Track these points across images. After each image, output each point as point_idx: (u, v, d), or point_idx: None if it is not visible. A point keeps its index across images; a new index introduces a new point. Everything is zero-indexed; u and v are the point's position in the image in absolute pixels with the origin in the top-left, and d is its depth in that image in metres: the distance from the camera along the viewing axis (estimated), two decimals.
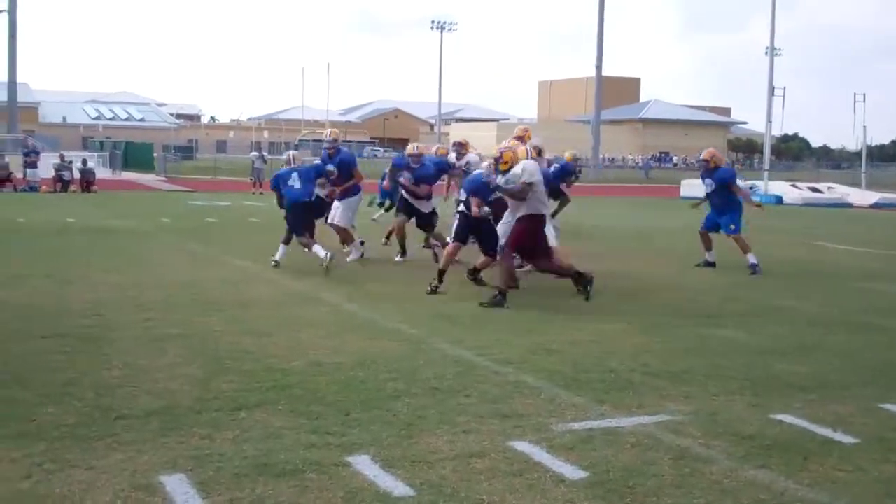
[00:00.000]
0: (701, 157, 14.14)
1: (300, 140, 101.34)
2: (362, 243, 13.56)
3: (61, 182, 33.34)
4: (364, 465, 4.58)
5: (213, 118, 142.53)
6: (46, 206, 24.50)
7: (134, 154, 54.42)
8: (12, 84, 51.99)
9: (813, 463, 4.80)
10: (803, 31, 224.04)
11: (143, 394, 5.80)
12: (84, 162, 35.24)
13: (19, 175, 33.66)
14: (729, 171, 13.98)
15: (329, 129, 14.18)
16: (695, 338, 8.19)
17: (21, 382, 5.99)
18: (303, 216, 12.88)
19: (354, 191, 13.41)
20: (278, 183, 13.27)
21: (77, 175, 33.92)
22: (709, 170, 13.72)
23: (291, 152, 14.44)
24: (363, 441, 4.94)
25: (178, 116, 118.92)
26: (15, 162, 34.48)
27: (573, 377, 6.49)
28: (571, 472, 4.54)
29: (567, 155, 15.31)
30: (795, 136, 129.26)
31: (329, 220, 13.38)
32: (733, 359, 7.32)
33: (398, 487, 4.30)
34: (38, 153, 35.92)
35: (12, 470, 4.41)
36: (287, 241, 12.72)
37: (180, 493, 4.17)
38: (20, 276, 10.89)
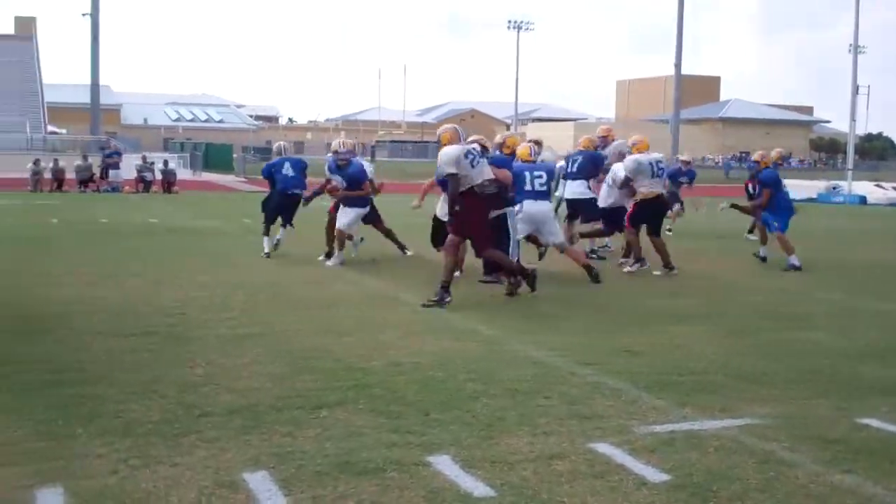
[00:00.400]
0: (752, 158, 14.06)
1: (377, 141, 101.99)
2: (362, 239, 13.69)
3: (143, 183, 34.12)
4: (445, 464, 4.58)
5: (290, 120, 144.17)
6: (129, 207, 25.07)
7: (214, 155, 55.42)
8: (95, 86, 53.09)
9: None
10: (888, 28, 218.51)
11: (226, 392, 5.89)
12: (165, 163, 36.00)
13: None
14: (767, 174, 13.65)
15: (341, 140, 13.42)
16: (779, 340, 8.04)
17: (107, 379, 6.13)
18: (287, 206, 13.28)
19: (363, 202, 12.94)
20: (271, 171, 13.61)
21: (158, 176, 34.67)
22: (759, 171, 13.75)
23: (282, 143, 14.71)
24: (443, 441, 4.95)
25: (257, 118, 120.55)
26: (97, 163, 35.40)
27: (654, 379, 6.41)
28: (653, 474, 4.49)
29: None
30: (880, 135, 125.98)
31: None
32: (818, 361, 7.17)
33: (479, 488, 4.29)
34: (119, 154, 36.80)
35: (99, 465, 4.50)
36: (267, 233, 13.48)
37: (263, 491, 4.22)
38: (108, 275, 11.16)
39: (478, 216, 9.46)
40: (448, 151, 9.47)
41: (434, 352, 7.16)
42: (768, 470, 4.59)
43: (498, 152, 11.33)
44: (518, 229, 10.68)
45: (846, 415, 5.64)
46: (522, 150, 11.39)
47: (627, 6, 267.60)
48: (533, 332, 8.07)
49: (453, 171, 9.36)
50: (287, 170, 13.39)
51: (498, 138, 12.07)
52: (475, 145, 9.81)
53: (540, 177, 11.10)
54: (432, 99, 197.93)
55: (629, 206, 12.64)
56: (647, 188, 12.25)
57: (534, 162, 11.31)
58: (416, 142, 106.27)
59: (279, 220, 13.63)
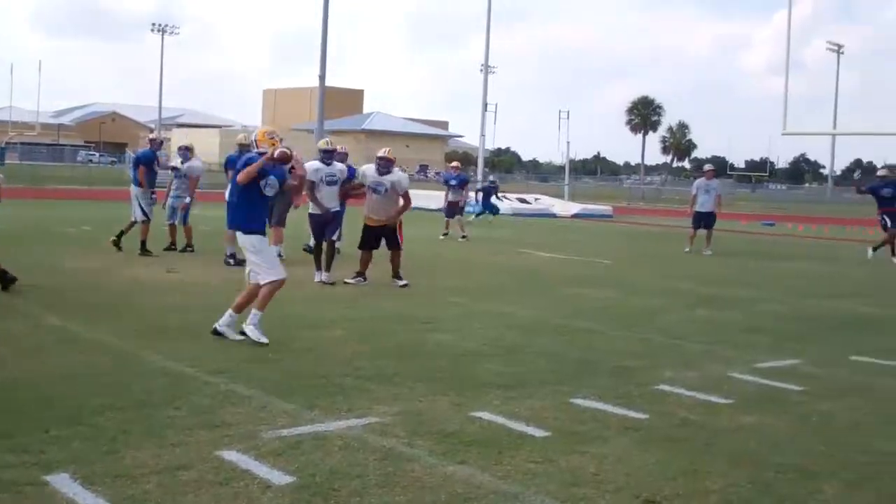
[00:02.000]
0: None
1: (6, 143, 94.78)
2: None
3: None
4: (63, 483, 4.41)
5: None
6: None
7: None
8: None
9: (507, 456, 5.10)
10: (518, 51, 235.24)
11: None
12: None
13: None
14: None
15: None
16: (408, 342, 8.46)
17: None
18: None
19: None
20: None
21: None
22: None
23: None
24: (63, 458, 4.75)
25: None
26: None
27: (286, 384, 6.53)
28: (278, 478, 4.59)
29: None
30: (508, 149, 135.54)
31: None
32: (442, 361, 7.63)
33: None
34: None
35: None
36: None
37: None
38: None
39: None
40: None
41: (58, 366, 6.85)
42: (388, 465, 4.85)
43: None
44: None
45: (462, 409, 6.06)
46: None
47: (274, 16, 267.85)
48: (166, 343, 7.91)
49: None
50: None
51: None
52: None
53: None
54: (71, 100, 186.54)
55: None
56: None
57: None
58: (50, 144, 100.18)
59: None
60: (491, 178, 36.55)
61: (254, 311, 8.06)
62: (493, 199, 31.90)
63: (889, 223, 20.34)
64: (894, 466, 5.36)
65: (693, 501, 4.61)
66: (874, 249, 20.35)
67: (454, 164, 24.70)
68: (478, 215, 29.84)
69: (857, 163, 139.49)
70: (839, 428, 6.17)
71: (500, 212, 32.81)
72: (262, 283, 8.21)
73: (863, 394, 7.22)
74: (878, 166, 28.70)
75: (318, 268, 12.45)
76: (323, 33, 43.68)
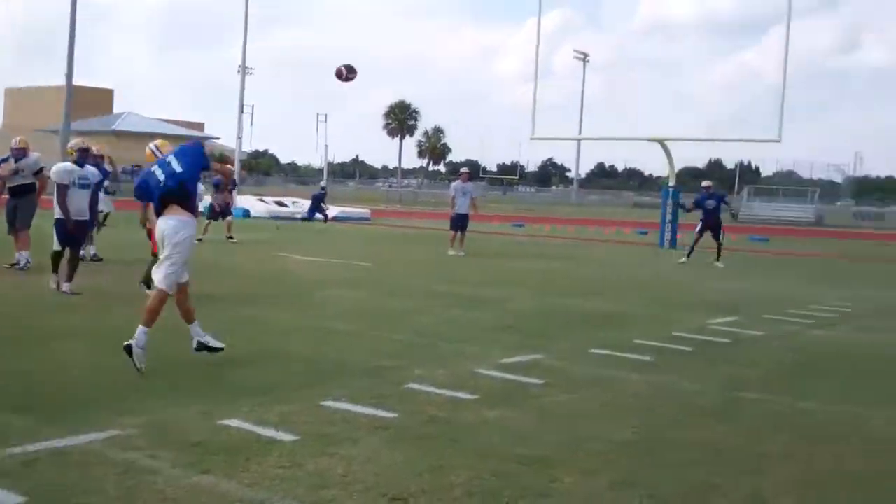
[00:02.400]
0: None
1: None
2: None
3: None
4: None
5: None
6: None
7: None
8: None
9: (254, 463, 5.04)
10: (277, 52, 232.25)
11: None
12: None
13: None
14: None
15: None
16: (157, 351, 8.17)
17: None
18: None
19: None
20: None
21: None
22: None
23: None
24: None
25: None
26: None
27: (20, 400, 6.18)
28: (8, 498, 4.33)
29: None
30: (265, 152, 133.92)
31: None
32: (193, 370, 7.46)
33: None
34: None
35: None
36: None
37: None
38: None
39: None
40: None
41: None
42: (128, 479, 4.67)
43: None
44: None
45: (210, 417, 5.93)
46: None
47: (16, 10, 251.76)
48: None
49: None
50: None
51: None
52: None
53: None
54: None
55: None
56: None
57: None
58: None
59: None
60: (322, 184, 37.39)
61: (141, 327, 7.37)
62: (325, 207, 35.30)
63: (712, 233, 21.48)
64: (625, 455, 5.70)
65: (438, 496, 4.72)
66: (717, 259, 21.24)
67: (229, 166, 24.52)
68: (303, 220, 33.54)
69: (600, 166, 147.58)
70: (577, 419, 6.50)
71: (329, 218, 35.75)
72: (155, 282, 7.62)
73: (600, 385, 7.65)
74: (619, 169, 30.47)
75: (55, 271, 11.81)
76: (71, 29, 41.79)
